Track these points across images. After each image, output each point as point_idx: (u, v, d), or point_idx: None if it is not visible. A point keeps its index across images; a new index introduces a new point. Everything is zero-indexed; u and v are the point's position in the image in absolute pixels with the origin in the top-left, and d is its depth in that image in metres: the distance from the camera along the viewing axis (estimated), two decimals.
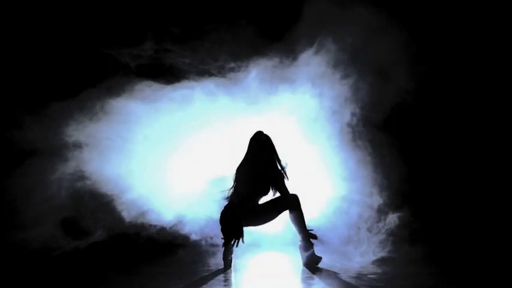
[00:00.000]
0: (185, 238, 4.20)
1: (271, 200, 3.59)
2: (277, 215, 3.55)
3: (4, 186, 4.06)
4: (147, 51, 4.40)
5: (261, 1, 4.70)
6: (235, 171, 3.63)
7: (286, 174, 3.63)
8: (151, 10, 4.62)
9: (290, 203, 3.50)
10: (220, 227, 3.48)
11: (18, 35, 4.61)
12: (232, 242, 3.36)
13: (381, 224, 4.19)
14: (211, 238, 4.19)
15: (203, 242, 4.18)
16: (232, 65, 4.40)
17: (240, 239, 3.34)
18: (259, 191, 3.59)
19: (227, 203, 3.54)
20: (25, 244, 4.01)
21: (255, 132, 3.68)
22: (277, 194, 3.61)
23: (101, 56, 4.37)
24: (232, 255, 3.49)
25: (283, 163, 3.65)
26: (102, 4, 4.63)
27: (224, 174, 3.89)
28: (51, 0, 4.64)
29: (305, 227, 3.49)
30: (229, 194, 3.57)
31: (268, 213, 3.55)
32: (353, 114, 4.42)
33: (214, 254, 3.95)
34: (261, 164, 3.59)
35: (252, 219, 3.54)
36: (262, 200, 3.64)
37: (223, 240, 3.48)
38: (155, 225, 4.16)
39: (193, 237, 4.18)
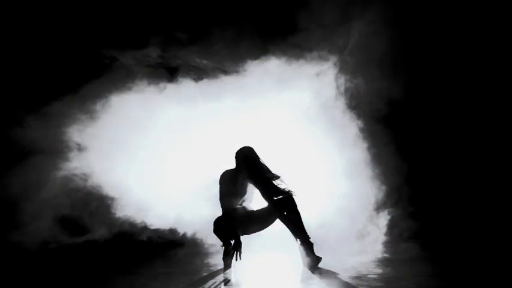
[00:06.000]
0: (185, 238, 4.20)
1: (267, 205, 3.58)
2: (274, 219, 3.54)
3: (5, 184, 4.08)
4: (150, 53, 4.41)
5: (261, 3, 4.70)
6: (219, 181, 3.62)
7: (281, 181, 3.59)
8: (156, 12, 4.62)
9: (287, 205, 3.50)
10: (215, 231, 3.48)
11: (21, 35, 4.62)
12: (232, 254, 3.33)
13: (380, 223, 4.19)
14: (211, 238, 4.19)
15: (203, 242, 4.17)
16: (232, 66, 4.41)
17: (240, 252, 3.32)
18: (245, 196, 3.58)
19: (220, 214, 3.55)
20: (24, 241, 4.03)
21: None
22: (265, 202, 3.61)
23: (103, 57, 4.39)
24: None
25: (277, 173, 3.62)
26: (106, 5, 4.63)
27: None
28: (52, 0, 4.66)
29: (303, 227, 3.48)
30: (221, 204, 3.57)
31: (266, 217, 3.54)
32: (352, 111, 4.43)
33: (214, 254, 3.95)
34: (245, 172, 3.57)
35: (249, 226, 3.54)
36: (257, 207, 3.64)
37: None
38: (155, 226, 4.16)
39: (193, 237, 4.17)
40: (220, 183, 3.60)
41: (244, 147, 3.65)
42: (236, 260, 3.28)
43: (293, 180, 4.08)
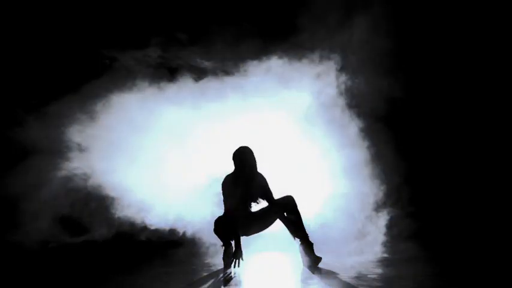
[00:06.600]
0: (185, 238, 4.20)
1: (267, 205, 3.59)
2: (275, 219, 3.55)
3: (5, 184, 4.08)
4: (151, 53, 4.41)
5: (262, 3, 4.70)
6: (221, 186, 3.62)
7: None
8: (157, 12, 4.62)
9: (287, 205, 3.50)
10: (215, 231, 3.47)
11: (21, 35, 4.62)
12: (232, 260, 3.32)
13: (380, 223, 4.19)
14: (211, 238, 4.18)
15: (203, 242, 4.17)
16: (233, 66, 4.41)
17: (240, 259, 3.31)
18: (248, 198, 3.58)
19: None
20: (24, 241, 4.04)
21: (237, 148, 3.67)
22: (265, 203, 3.61)
23: (103, 57, 4.39)
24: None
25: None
26: (106, 6, 4.63)
27: (224, 174, 3.88)
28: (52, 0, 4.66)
29: (303, 227, 3.49)
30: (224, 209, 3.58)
31: (266, 218, 3.55)
32: (352, 110, 4.43)
33: (214, 254, 3.94)
34: (245, 174, 3.57)
35: (250, 227, 3.54)
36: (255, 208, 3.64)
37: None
38: (155, 226, 4.16)
39: (193, 237, 4.17)
40: (222, 188, 3.60)
41: (241, 148, 3.64)
42: (235, 267, 3.29)
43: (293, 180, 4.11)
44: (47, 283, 3.20)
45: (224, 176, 3.64)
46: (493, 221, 4.61)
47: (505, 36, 4.81)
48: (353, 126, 4.42)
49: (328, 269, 3.29)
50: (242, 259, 3.32)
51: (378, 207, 4.27)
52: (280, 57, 4.38)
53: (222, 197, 3.62)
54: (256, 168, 3.60)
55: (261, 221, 3.56)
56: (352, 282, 2.87)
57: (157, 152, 4.19)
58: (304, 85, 4.38)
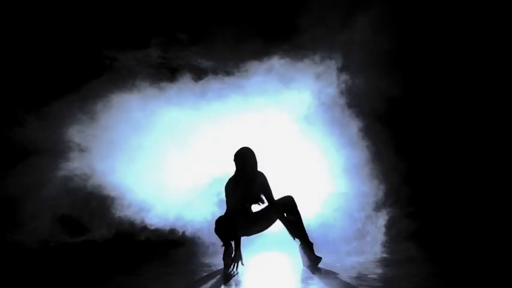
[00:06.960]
0: (185, 238, 4.21)
1: (267, 206, 3.60)
2: (275, 220, 3.56)
3: (5, 184, 4.08)
4: (152, 53, 4.42)
5: (263, 3, 4.70)
6: (224, 188, 3.63)
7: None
8: (157, 13, 4.63)
9: (287, 205, 3.51)
10: (216, 231, 3.48)
11: (21, 35, 4.62)
12: (231, 266, 3.32)
13: (379, 223, 4.20)
14: (211, 238, 4.18)
15: (203, 242, 4.18)
16: (234, 66, 4.41)
17: (240, 262, 3.32)
18: (249, 198, 3.58)
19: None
20: (24, 240, 4.05)
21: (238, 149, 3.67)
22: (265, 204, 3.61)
23: (104, 57, 4.39)
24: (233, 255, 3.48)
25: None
26: (107, 6, 4.63)
27: (224, 174, 3.89)
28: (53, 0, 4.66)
29: (303, 227, 3.50)
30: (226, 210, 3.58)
31: (266, 218, 3.56)
32: (352, 110, 4.43)
33: (214, 254, 3.95)
34: (246, 174, 3.58)
35: (250, 227, 3.55)
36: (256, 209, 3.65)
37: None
38: (155, 226, 4.16)
39: (193, 237, 4.18)
40: (225, 191, 3.62)
41: (242, 148, 3.65)
42: (233, 270, 3.29)
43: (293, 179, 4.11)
44: (47, 283, 3.20)
45: (227, 179, 3.65)
46: (492, 221, 4.62)
47: (504, 36, 4.81)
48: (353, 126, 4.42)
49: (328, 269, 3.30)
50: (242, 263, 3.33)
51: (378, 207, 4.27)
52: (281, 57, 4.38)
53: (223, 197, 3.64)
54: (257, 168, 3.61)
55: (261, 221, 3.57)
56: (352, 282, 2.87)
57: (157, 152, 4.19)
58: (304, 85, 4.38)
